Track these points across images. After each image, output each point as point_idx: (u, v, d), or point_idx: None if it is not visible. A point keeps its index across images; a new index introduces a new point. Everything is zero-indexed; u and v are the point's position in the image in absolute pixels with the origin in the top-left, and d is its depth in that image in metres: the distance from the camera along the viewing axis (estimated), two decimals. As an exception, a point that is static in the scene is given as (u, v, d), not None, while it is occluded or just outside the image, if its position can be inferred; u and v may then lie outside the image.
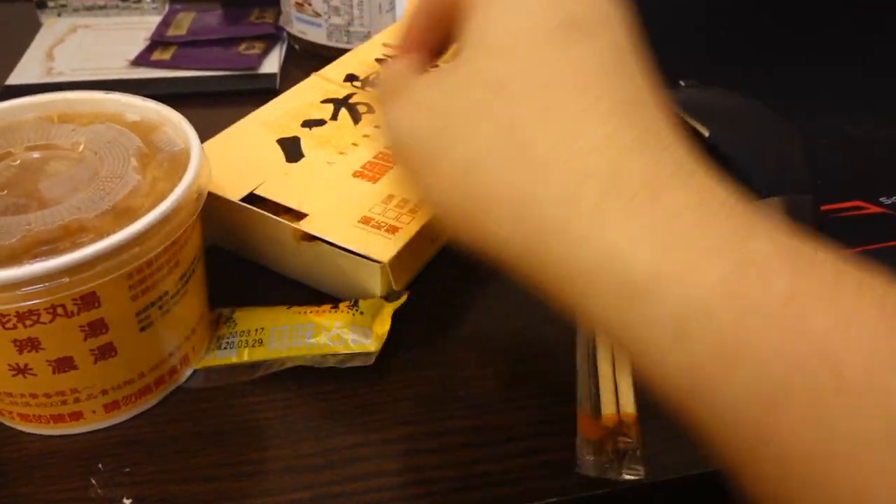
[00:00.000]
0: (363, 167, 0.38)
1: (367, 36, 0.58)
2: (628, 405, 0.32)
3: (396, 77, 0.26)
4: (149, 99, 0.34)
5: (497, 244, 0.22)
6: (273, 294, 0.36)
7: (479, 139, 0.22)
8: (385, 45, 0.49)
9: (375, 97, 0.40)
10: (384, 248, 0.34)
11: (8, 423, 0.31)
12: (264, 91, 0.43)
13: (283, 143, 0.40)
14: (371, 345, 0.33)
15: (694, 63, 0.50)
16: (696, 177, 0.20)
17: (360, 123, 0.41)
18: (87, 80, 0.56)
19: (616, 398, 0.32)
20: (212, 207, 0.33)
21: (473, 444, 0.31)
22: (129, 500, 0.29)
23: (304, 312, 0.34)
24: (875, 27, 0.60)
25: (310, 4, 0.58)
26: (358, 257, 0.34)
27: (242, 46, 0.59)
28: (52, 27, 0.63)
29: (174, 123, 0.32)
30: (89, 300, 0.27)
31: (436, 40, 0.27)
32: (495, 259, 0.23)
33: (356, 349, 0.32)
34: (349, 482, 0.30)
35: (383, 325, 0.33)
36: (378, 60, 0.47)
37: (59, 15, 0.65)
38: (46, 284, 0.25)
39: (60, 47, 0.60)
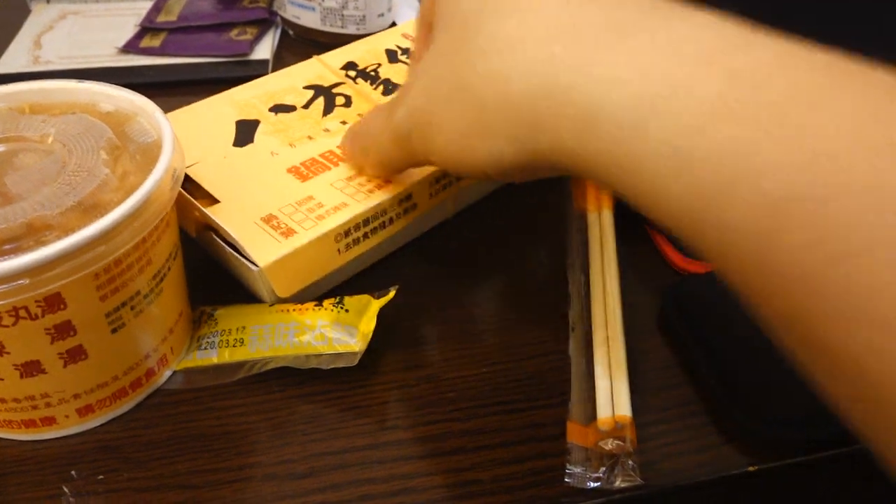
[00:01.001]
0: (301, 164, 0.36)
1: (361, 20, 0.56)
2: (624, 408, 0.30)
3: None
4: (124, 88, 0.32)
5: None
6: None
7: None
8: (404, 35, 0.47)
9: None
10: (267, 250, 0.31)
11: (-22, 427, 0.30)
12: (256, 77, 0.42)
13: (240, 124, 0.39)
14: (356, 345, 0.31)
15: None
16: (657, 12, 0.22)
17: (329, 116, 0.40)
18: (75, 68, 0.54)
19: (611, 401, 0.31)
20: None
21: (464, 449, 0.30)
22: (102, 510, 0.28)
23: (287, 310, 0.32)
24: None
25: (303, -12, 0.56)
26: (240, 257, 0.32)
27: (234, 32, 0.58)
28: (40, 14, 0.61)
29: (147, 113, 0.31)
30: (54, 302, 0.25)
31: None
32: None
33: (340, 349, 0.31)
34: (334, 490, 0.28)
35: (368, 324, 0.32)
36: (388, 51, 0.45)
37: (48, 1, 0.63)
38: (6, 286, 0.24)
39: (49, 35, 0.58)
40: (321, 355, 0.31)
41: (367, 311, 0.32)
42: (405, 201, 0.35)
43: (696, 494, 0.29)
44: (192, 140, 0.37)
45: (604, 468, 0.28)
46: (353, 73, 0.42)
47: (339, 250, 0.33)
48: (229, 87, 0.41)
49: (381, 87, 0.41)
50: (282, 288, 0.32)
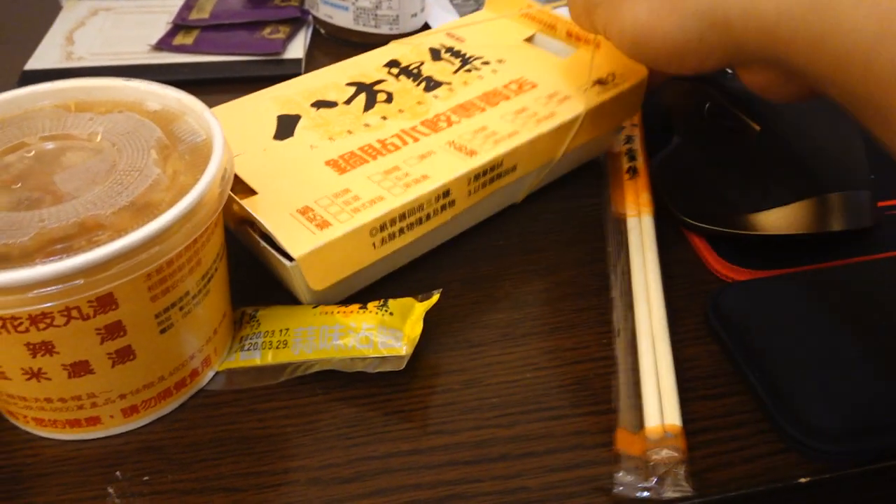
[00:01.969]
0: (340, 157, 0.36)
1: (395, 20, 0.56)
2: (674, 417, 0.30)
3: None
4: (169, 86, 0.32)
5: None
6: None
7: None
8: (449, 34, 0.46)
9: None
10: (301, 241, 0.31)
11: (23, 426, 0.30)
12: (289, 77, 0.42)
13: (281, 119, 0.38)
14: (402, 348, 0.31)
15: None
16: None
17: (370, 111, 0.39)
18: (108, 65, 0.54)
19: (660, 409, 0.30)
20: None
21: (510, 455, 0.30)
22: (148, 512, 0.28)
23: (331, 312, 0.32)
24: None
25: (336, -13, 0.56)
26: (274, 252, 0.32)
27: (267, 30, 0.58)
28: (72, 10, 0.61)
29: (196, 113, 0.31)
30: (106, 302, 0.25)
31: None
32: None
33: (386, 353, 0.31)
34: (381, 495, 0.28)
35: (415, 328, 0.31)
36: (431, 49, 0.44)
37: (79, -2, 0.63)
38: (60, 286, 0.24)
39: (81, 31, 0.59)
40: (367, 359, 0.31)
41: (411, 315, 0.32)
42: (443, 197, 0.35)
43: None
44: (234, 134, 0.37)
45: (654, 477, 0.28)
46: (395, 71, 0.42)
47: (374, 244, 0.33)
48: (262, 86, 0.41)
49: (423, 84, 0.41)
50: (315, 280, 0.32)
